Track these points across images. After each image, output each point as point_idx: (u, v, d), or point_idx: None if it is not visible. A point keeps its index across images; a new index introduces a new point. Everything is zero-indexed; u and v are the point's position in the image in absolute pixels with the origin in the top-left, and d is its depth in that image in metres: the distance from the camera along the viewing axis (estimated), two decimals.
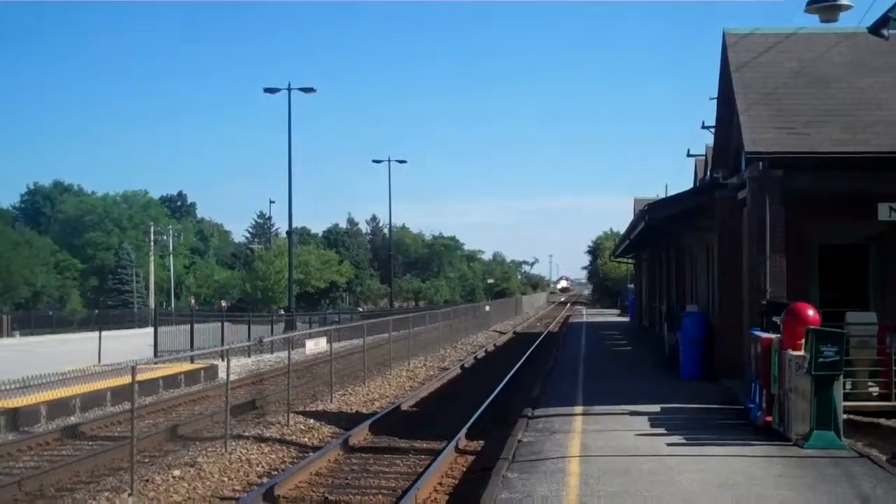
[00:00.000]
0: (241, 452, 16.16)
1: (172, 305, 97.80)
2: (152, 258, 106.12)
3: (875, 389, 16.78)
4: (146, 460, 15.74)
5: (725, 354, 21.22)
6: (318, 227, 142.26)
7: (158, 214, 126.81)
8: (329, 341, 26.21)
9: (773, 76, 19.57)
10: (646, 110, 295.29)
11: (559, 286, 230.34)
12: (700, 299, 26.92)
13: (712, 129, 28.69)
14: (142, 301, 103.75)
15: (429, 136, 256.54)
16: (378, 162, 77.21)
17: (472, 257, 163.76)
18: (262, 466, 15.56)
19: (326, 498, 13.22)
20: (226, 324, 41.24)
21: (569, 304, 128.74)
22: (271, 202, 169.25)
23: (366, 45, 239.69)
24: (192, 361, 31.39)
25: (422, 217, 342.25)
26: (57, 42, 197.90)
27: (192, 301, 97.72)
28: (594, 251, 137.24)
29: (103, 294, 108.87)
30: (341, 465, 15.50)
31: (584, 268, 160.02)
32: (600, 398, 19.22)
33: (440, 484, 13.95)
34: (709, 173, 33.12)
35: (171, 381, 27.27)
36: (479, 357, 39.11)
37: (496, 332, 59.98)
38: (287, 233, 63.37)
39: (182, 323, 38.71)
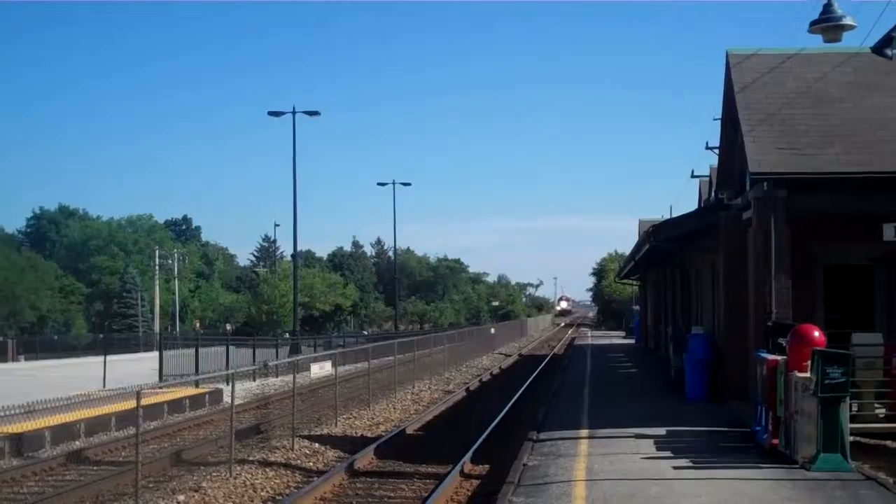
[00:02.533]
0: (245, 477, 16.11)
1: (177, 329, 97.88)
2: (157, 282, 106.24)
3: (882, 411, 16.67)
4: (151, 485, 15.66)
5: (731, 376, 21.13)
6: (322, 251, 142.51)
7: (163, 238, 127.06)
8: (334, 365, 26.18)
9: (777, 96, 19.57)
10: (650, 131, 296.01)
11: (558, 307, 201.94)
12: (705, 321, 26.84)
13: (716, 150, 28.73)
14: (147, 325, 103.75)
15: (433, 159, 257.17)
16: (383, 185, 77.31)
17: (476, 280, 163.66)
18: (267, 491, 15.49)
19: None
20: (230, 347, 41.16)
21: (574, 327, 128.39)
22: (276, 225, 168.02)
23: (369, 68, 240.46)
24: (196, 386, 31.34)
25: (426, 239, 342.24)
26: (63, 68, 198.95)
27: (198, 325, 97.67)
28: (599, 273, 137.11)
29: (108, 318, 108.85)
30: (346, 490, 15.43)
31: (589, 289, 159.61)
32: (606, 421, 19.14)
33: None
34: (713, 194, 33.10)
35: (175, 405, 27.21)
36: (484, 380, 39.00)
37: (501, 354, 59.84)
38: (292, 256, 63.35)
39: (187, 347, 38.66)
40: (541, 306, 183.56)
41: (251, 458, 17.87)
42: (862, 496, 11.78)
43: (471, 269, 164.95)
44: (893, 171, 17.35)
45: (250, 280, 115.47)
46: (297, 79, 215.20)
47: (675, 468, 13.87)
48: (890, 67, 18.19)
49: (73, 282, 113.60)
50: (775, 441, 14.73)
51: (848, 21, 16.32)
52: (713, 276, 25.26)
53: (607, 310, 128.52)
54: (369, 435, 22.05)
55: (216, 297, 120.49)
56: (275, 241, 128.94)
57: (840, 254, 20.31)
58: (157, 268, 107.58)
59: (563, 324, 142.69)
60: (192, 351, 37.48)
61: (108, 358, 36.94)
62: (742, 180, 20.70)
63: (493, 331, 68.43)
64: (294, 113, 54.11)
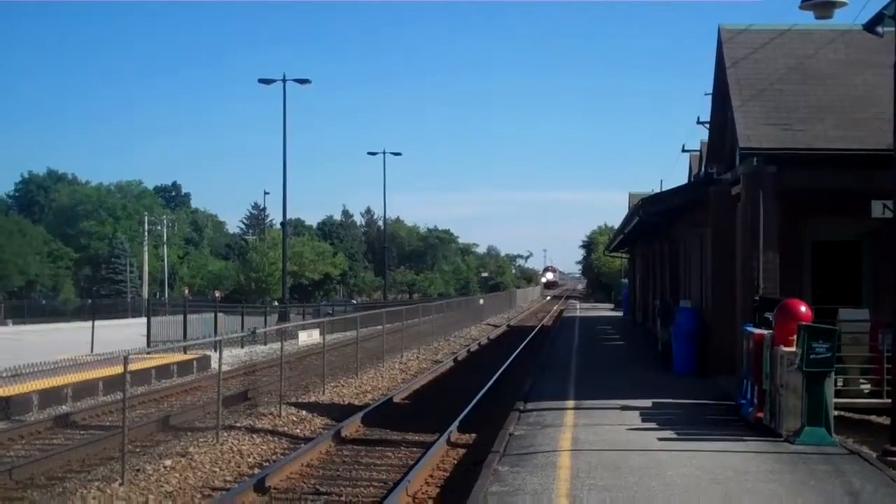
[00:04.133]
0: (232, 443, 16.17)
1: (166, 295, 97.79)
2: (146, 248, 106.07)
3: (867, 386, 16.80)
4: (138, 450, 15.71)
5: (718, 350, 21.23)
6: (312, 219, 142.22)
7: (153, 204, 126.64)
8: (322, 333, 26.23)
9: (768, 72, 19.57)
10: (641, 105, 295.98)
11: (543, 279, 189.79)
12: (693, 295, 26.95)
13: (707, 125, 28.69)
14: (135, 291, 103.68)
15: (424, 129, 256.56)
16: (373, 154, 77.19)
17: (466, 250, 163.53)
18: (254, 457, 15.57)
19: (317, 489, 13.22)
20: (219, 314, 41.22)
21: (563, 299, 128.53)
22: (266, 193, 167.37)
23: (361, 35, 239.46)
24: (184, 352, 31.38)
25: (416, 208, 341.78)
26: (52, 31, 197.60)
27: (186, 291, 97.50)
28: (588, 246, 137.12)
29: (97, 283, 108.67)
30: (333, 457, 15.51)
31: (579, 262, 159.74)
32: (592, 392, 19.25)
33: (431, 476, 13.96)
34: (703, 169, 33.19)
35: (163, 371, 27.25)
36: (472, 350, 39.13)
37: (490, 325, 59.97)
38: (281, 224, 63.25)
39: (175, 313, 38.74)
40: (530, 278, 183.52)
41: (238, 425, 17.92)
42: (844, 470, 11.89)
43: (460, 240, 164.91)
44: (883, 148, 17.32)
45: (239, 247, 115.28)
46: (288, 48, 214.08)
47: (660, 440, 13.98)
48: (881, 45, 18.15)
49: (61, 247, 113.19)
50: (760, 414, 14.84)
51: None
52: (701, 250, 25.35)
53: (596, 283, 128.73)
54: (357, 403, 22.14)
55: (205, 264, 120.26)
56: (264, 208, 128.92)
57: (828, 230, 20.37)
58: (145, 234, 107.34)
59: (549, 297, 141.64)
60: (181, 317, 37.54)
61: (97, 323, 36.97)
62: (732, 155, 20.74)
63: (481, 302, 68.52)
64: (284, 81, 53.97)
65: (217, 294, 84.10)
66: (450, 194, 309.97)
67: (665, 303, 29.07)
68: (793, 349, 13.90)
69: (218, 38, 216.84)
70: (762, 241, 17.48)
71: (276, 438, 17.18)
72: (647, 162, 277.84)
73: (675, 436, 14.34)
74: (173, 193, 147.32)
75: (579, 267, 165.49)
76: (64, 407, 21.25)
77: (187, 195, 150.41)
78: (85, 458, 15.55)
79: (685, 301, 25.82)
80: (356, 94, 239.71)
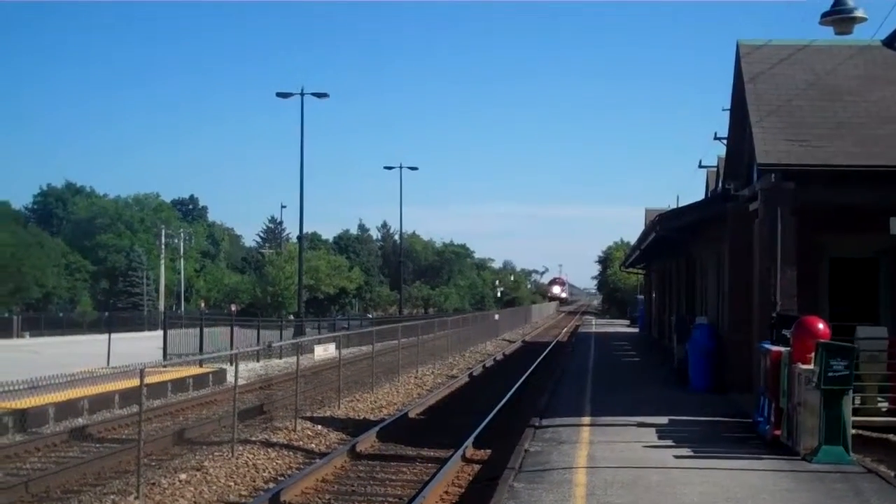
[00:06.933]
0: (247, 457, 16.17)
1: (182, 309, 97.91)
2: (163, 261, 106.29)
3: (885, 405, 16.65)
4: (153, 463, 15.73)
5: (734, 367, 21.13)
6: (328, 233, 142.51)
7: (170, 217, 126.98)
8: (338, 347, 26.19)
9: (787, 88, 19.50)
10: (658, 120, 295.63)
11: (550, 293, 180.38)
12: (710, 311, 26.83)
13: (724, 141, 28.63)
14: (152, 304, 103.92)
15: (441, 143, 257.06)
16: (390, 168, 77.47)
17: (482, 265, 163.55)
18: (269, 472, 15.55)
19: None
20: (235, 328, 41.27)
21: (578, 315, 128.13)
22: (283, 207, 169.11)
23: (378, 52, 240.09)
24: (200, 365, 31.41)
25: (432, 223, 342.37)
26: (72, 45, 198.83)
27: (202, 305, 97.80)
28: (604, 261, 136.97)
29: (113, 296, 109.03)
30: (348, 472, 15.48)
31: (595, 277, 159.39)
32: (608, 409, 19.17)
33: (446, 493, 13.93)
34: (720, 184, 33.04)
35: (179, 384, 27.28)
36: (487, 365, 39.06)
37: (505, 340, 59.90)
38: (298, 238, 63.45)
39: (191, 326, 38.74)
40: (545, 293, 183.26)
41: (253, 439, 17.92)
42: (862, 489, 11.79)
43: (476, 255, 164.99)
44: None
45: (256, 261, 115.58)
46: (305, 61, 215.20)
47: (676, 457, 13.89)
48: None
49: (78, 259, 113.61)
50: (777, 432, 14.75)
51: (859, 13, 16.27)
52: (718, 267, 25.25)
53: (612, 298, 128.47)
54: (372, 418, 22.10)
55: (221, 278, 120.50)
56: (281, 222, 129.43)
57: (846, 246, 20.29)
58: (162, 247, 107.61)
59: (563, 313, 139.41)
60: (197, 330, 37.57)
61: (113, 336, 37.09)
62: (749, 171, 20.67)
63: (497, 317, 68.46)
64: (302, 94, 54.18)
65: (233, 307, 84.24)
66: (466, 208, 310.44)
67: (681, 319, 28.96)
68: (810, 367, 13.81)
69: (236, 51, 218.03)
70: (780, 258, 17.39)
71: (291, 453, 17.16)
72: (663, 178, 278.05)
73: (691, 453, 14.25)
74: (190, 206, 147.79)
75: (595, 282, 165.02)
76: (80, 419, 21.28)
77: (204, 208, 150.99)
78: (100, 471, 15.56)
79: (702, 317, 25.71)
80: (373, 107, 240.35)
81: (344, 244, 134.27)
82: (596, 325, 78.06)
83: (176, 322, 40.02)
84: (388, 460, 16.62)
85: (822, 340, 13.86)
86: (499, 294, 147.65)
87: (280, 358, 39.44)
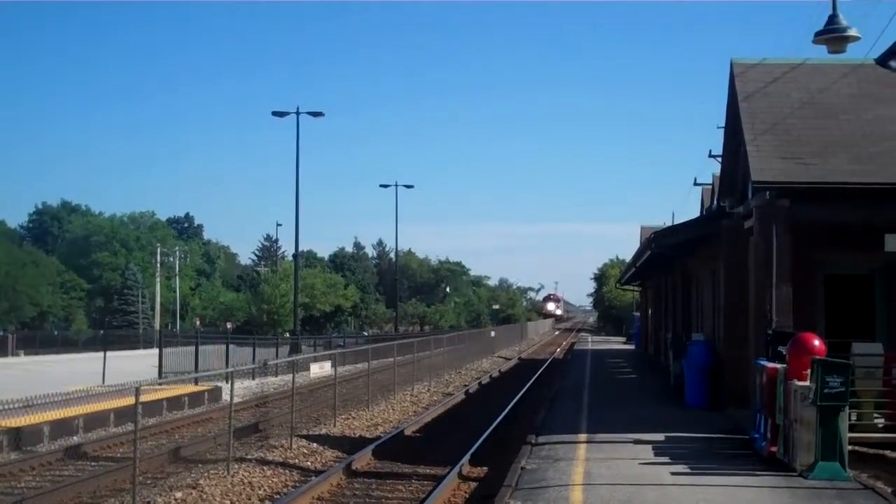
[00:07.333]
0: (243, 475, 16.13)
1: (178, 327, 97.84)
2: (158, 279, 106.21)
3: (881, 421, 16.66)
4: (148, 482, 15.70)
5: (731, 384, 21.14)
6: (324, 251, 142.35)
7: (165, 236, 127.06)
8: (333, 365, 26.17)
9: (781, 106, 19.57)
10: (653, 138, 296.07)
11: (544, 310, 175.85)
12: (706, 328, 26.86)
13: (719, 158, 28.67)
14: (147, 322, 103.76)
15: (437, 160, 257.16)
16: (385, 186, 77.43)
17: (477, 283, 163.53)
18: (265, 490, 15.51)
19: None
20: (230, 346, 41.20)
21: (574, 332, 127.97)
22: (278, 225, 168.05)
23: (373, 70, 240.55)
24: (196, 383, 31.35)
25: (428, 241, 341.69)
26: (67, 64, 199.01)
27: (198, 323, 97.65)
28: (600, 278, 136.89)
29: (109, 314, 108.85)
30: (343, 490, 15.45)
31: (590, 294, 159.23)
32: (604, 426, 19.16)
33: None
34: (715, 202, 33.11)
35: (174, 402, 27.23)
36: (483, 383, 39.02)
37: (501, 357, 59.83)
38: (293, 256, 63.22)
39: (187, 344, 38.67)
40: (541, 310, 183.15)
41: (249, 457, 17.89)
42: None
43: (472, 272, 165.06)
44: (895, 182, 17.37)
45: (251, 279, 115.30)
46: (299, 79, 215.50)
47: (672, 474, 13.89)
48: (894, 79, 18.20)
49: (74, 277, 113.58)
50: (774, 448, 14.75)
51: (852, 32, 16.35)
52: (714, 284, 25.29)
53: (608, 315, 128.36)
54: (368, 435, 22.07)
55: (217, 296, 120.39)
56: (276, 240, 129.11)
57: (841, 263, 20.33)
58: (158, 265, 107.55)
59: (558, 331, 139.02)
60: (192, 349, 37.48)
61: (108, 354, 36.95)
62: (744, 189, 20.72)
63: (493, 334, 68.41)
64: (298, 113, 54.08)
65: (229, 325, 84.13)
66: (462, 226, 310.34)
67: (677, 336, 29.00)
68: (806, 383, 13.84)
69: (232, 69, 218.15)
70: (775, 275, 17.42)
71: (286, 471, 17.13)
72: (659, 195, 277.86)
73: (687, 470, 14.25)
74: (186, 225, 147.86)
75: (591, 299, 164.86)
76: (75, 438, 21.23)
77: (200, 226, 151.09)
78: (96, 489, 15.52)
79: (697, 334, 25.72)
80: (368, 126, 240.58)
81: (340, 262, 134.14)
82: (592, 342, 77.98)
83: (171, 340, 39.98)
84: (384, 478, 16.58)
85: (818, 357, 13.89)
86: (495, 310, 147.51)
87: (276, 376, 39.37)
